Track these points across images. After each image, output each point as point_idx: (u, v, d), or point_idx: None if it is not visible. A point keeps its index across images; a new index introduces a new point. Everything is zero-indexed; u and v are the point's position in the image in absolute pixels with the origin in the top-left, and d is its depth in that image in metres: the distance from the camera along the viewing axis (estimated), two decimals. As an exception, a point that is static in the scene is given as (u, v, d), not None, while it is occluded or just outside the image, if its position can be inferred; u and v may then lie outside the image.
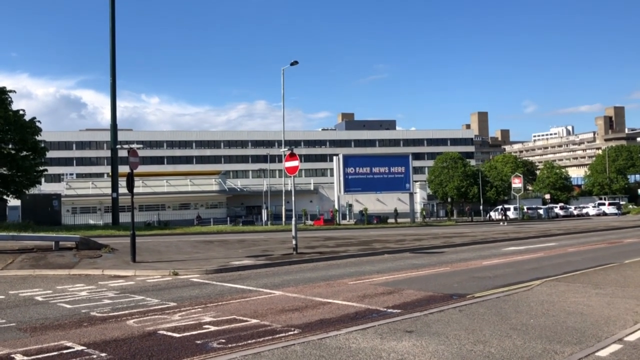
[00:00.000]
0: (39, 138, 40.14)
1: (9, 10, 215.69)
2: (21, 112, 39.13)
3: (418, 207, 64.87)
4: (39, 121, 39.90)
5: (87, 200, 62.18)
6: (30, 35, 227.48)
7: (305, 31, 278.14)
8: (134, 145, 18.50)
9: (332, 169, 67.03)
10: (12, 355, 7.08)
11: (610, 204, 78.55)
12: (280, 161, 71.56)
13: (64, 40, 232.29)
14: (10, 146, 38.62)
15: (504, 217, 58.15)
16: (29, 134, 38.45)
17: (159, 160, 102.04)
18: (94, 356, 7.03)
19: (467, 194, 75.86)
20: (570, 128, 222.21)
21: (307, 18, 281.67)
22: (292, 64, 46.06)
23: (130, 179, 17.64)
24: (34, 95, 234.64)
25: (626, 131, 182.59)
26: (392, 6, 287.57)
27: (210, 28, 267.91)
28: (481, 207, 71.91)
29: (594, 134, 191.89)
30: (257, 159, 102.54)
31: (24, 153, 38.79)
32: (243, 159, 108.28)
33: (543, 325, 8.32)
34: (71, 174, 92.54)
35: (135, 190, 18.37)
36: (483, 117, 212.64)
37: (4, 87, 38.25)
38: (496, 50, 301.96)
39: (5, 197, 39.90)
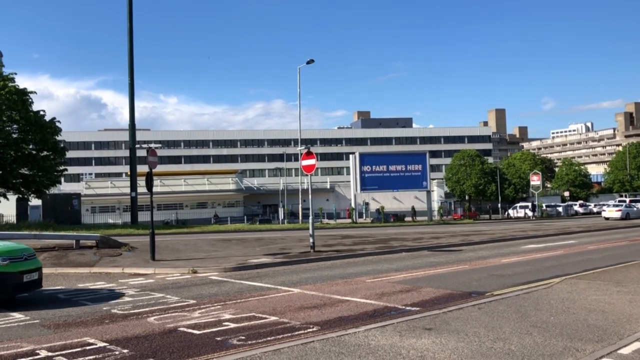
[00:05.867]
0: (58, 138, 40.68)
1: (31, 13, 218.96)
2: (41, 112, 39.68)
3: (435, 205, 64.60)
4: (58, 121, 40.42)
5: (106, 200, 62.91)
6: (51, 37, 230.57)
7: (322, 30, 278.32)
8: (153, 145, 18.66)
9: (348, 168, 66.97)
10: (37, 351, 7.22)
11: (631, 201, 77.31)
12: (296, 160, 71.64)
13: (84, 41, 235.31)
14: (31, 146, 39.19)
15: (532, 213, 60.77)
16: (49, 134, 38.96)
17: (176, 160, 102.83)
18: (116, 352, 7.14)
19: (484, 191, 75.29)
20: (589, 125, 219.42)
21: (325, 17, 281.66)
22: (308, 63, 46.10)
23: (149, 178, 17.82)
24: (54, 96, 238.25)
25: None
26: (410, 4, 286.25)
27: (227, 28, 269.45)
28: (499, 204, 71.35)
29: (614, 131, 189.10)
30: (273, 157, 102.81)
31: (45, 153, 39.32)
32: (259, 158, 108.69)
33: (564, 322, 8.25)
34: (90, 174, 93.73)
35: (154, 189, 18.54)
36: (501, 114, 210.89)
37: (25, 89, 38.82)
38: (515, 46, 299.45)
39: (26, 196, 40.53)
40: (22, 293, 10.72)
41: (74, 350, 7.27)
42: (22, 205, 42.13)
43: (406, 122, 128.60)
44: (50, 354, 7.10)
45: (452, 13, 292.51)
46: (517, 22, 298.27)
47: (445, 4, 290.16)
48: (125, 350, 7.20)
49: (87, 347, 7.41)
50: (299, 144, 50.04)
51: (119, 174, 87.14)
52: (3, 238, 16.19)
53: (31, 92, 39.19)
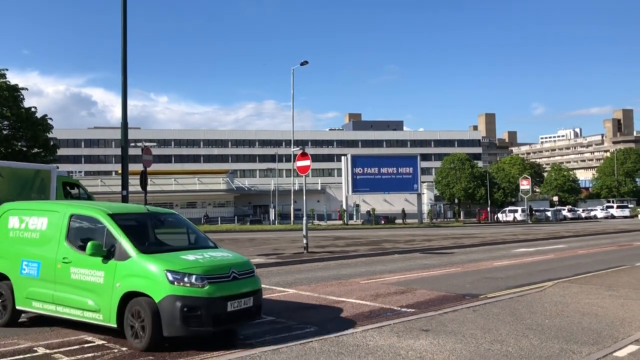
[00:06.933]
0: (50, 135, 40.36)
1: (21, 7, 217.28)
2: (33, 109, 39.34)
3: (425, 208, 64.87)
4: (50, 118, 40.11)
5: (95, 198, 62.49)
6: (42, 33, 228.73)
7: (315, 32, 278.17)
8: (148, 144, 18.61)
9: (339, 169, 67.08)
10: (35, 348, 7.20)
11: (618, 207, 78.22)
12: (287, 160, 71.66)
13: (74, 38, 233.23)
14: (21, 143, 38.84)
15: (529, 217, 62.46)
16: (41, 131, 38.61)
17: (167, 159, 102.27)
18: (115, 350, 7.14)
19: (474, 195, 75.69)
20: (578, 130, 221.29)
21: (318, 18, 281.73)
22: (302, 64, 46.19)
23: (144, 176, 17.80)
24: (44, 93, 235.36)
25: (634, 134, 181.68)
26: (403, 8, 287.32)
27: (219, 28, 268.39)
28: (488, 208, 71.84)
29: (602, 137, 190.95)
30: (264, 158, 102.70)
31: (35, 150, 38.99)
32: (250, 158, 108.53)
33: (558, 325, 8.35)
34: (80, 172, 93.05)
35: (147, 188, 18.48)
36: (490, 119, 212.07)
37: (16, 85, 38.47)
38: (506, 51, 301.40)
39: (15, 193, 40.18)
40: (224, 326, 7.40)
41: (72, 347, 7.27)
42: (11, 203, 41.72)
43: (397, 125, 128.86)
44: (48, 351, 7.09)
45: (444, 17, 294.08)
46: (508, 27, 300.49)
47: (437, 8, 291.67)
48: (124, 348, 7.20)
49: (85, 345, 7.40)
50: (292, 145, 50.07)
51: (108, 172, 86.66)
52: None
53: (22, 89, 38.84)
